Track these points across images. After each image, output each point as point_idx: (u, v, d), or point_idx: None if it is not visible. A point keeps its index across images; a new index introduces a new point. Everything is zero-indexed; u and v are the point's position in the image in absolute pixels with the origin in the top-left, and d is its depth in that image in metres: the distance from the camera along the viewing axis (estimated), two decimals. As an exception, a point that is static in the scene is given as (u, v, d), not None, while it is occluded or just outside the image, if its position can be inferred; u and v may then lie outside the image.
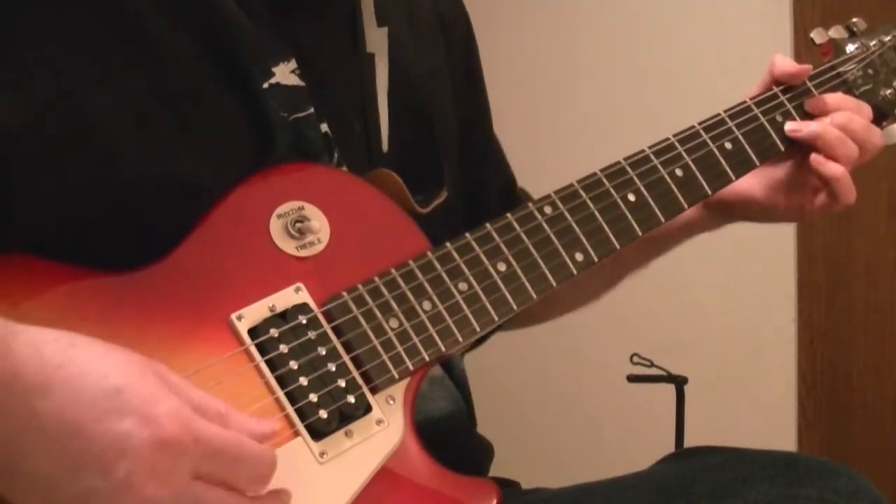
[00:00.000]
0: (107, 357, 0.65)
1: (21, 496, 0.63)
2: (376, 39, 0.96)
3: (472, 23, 1.13)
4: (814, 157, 1.01)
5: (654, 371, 2.16)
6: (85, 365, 0.64)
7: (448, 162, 1.03)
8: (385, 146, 0.95)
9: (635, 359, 2.15)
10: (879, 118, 1.09)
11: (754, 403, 2.60)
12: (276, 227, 0.81)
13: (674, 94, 2.55)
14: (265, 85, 0.85)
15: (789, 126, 1.02)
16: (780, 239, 2.58)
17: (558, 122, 2.79)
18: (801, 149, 1.04)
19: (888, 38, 1.11)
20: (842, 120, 1.02)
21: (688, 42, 2.65)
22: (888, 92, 1.09)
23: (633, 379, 2.18)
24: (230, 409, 0.69)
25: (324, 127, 0.89)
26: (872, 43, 1.10)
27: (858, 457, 2.53)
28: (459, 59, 1.08)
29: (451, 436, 0.97)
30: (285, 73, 0.86)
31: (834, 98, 1.04)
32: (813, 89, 1.05)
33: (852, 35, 1.12)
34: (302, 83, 0.87)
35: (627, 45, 2.72)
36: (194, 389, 0.68)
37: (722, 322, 2.62)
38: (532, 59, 2.83)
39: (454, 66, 1.07)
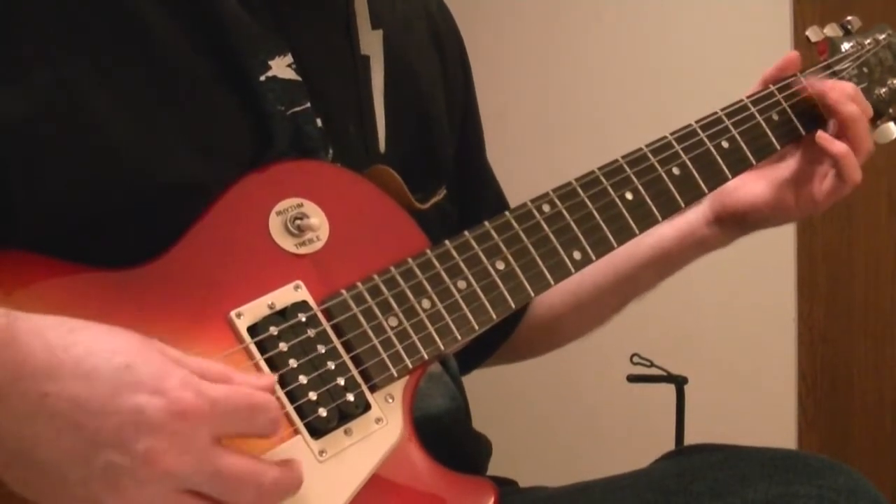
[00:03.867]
0: (110, 336, 0.66)
1: (33, 488, 0.63)
2: (371, 42, 0.96)
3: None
4: (821, 134, 1.02)
5: (654, 371, 2.16)
6: (90, 346, 0.64)
7: (446, 164, 1.03)
8: (382, 147, 0.95)
9: (635, 359, 2.15)
10: (874, 117, 1.09)
11: (754, 403, 2.60)
12: (275, 223, 0.81)
13: (673, 94, 2.55)
14: (262, 77, 0.85)
15: (834, 97, 1.02)
16: (780, 239, 2.58)
17: (558, 121, 2.79)
18: (796, 143, 1.05)
19: (882, 36, 1.11)
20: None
21: (688, 42, 2.65)
22: (883, 91, 1.09)
23: (633, 379, 2.18)
24: (228, 368, 0.70)
25: (318, 123, 0.89)
26: (867, 41, 1.11)
27: (858, 456, 2.53)
28: (456, 80, 1.08)
29: (449, 433, 0.97)
30: (282, 67, 0.86)
31: (851, 90, 1.04)
32: (808, 88, 1.05)
33: (847, 33, 1.12)
34: (298, 78, 0.87)
35: (627, 44, 2.72)
36: (193, 358, 0.68)
37: (722, 322, 2.62)
38: (532, 59, 2.83)
39: (449, 86, 1.06)
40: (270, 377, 0.73)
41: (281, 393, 0.75)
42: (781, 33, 2.52)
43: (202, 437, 0.64)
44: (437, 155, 1.02)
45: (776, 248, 2.58)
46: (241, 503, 0.66)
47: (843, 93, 1.02)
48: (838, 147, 1.01)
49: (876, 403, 2.57)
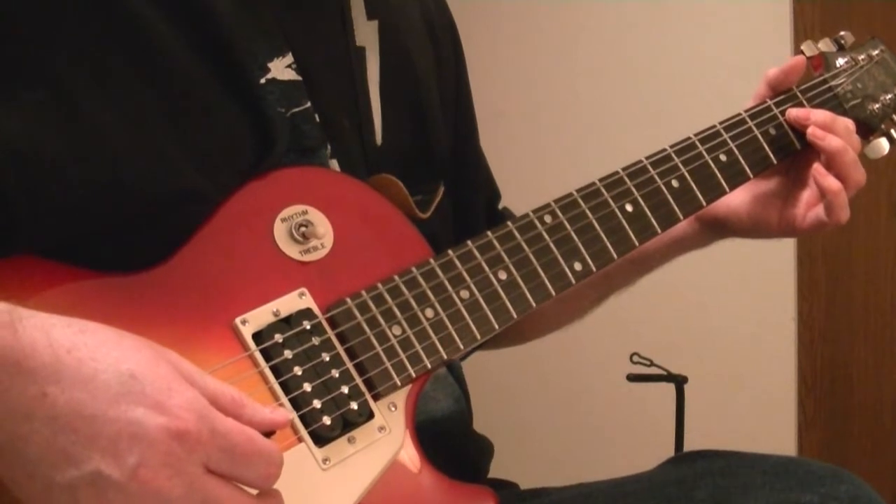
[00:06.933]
0: (119, 342, 0.64)
1: (18, 485, 0.62)
2: (367, 33, 0.96)
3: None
4: (817, 167, 1.01)
5: (654, 370, 2.16)
6: (96, 349, 0.63)
7: (441, 154, 1.04)
8: (379, 139, 0.95)
9: (635, 358, 2.15)
10: (867, 132, 1.09)
11: (754, 403, 2.60)
12: (279, 230, 0.81)
13: (674, 96, 2.55)
14: (262, 80, 0.85)
15: (813, 131, 1.01)
16: (780, 239, 2.58)
17: (557, 126, 2.79)
18: (793, 163, 1.05)
19: (875, 52, 1.12)
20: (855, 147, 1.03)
21: (688, 44, 2.64)
22: (875, 106, 1.10)
23: (633, 378, 2.18)
24: (243, 395, 0.68)
25: (317, 119, 0.89)
26: (861, 57, 1.11)
27: (858, 457, 2.54)
28: (449, 70, 1.08)
29: (451, 436, 0.98)
30: (280, 69, 0.86)
31: (826, 116, 1.03)
32: (805, 102, 1.06)
33: (840, 49, 1.13)
34: (299, 77, 0.87)
35: (627, 47, 2.72)
36: (209, 378, 0.67)
37: (722, 322, 2.62)
38: (531, 63, 2.83)
39: (443, 76, 1.07)
40: (286, 414, 0.71)
41: (285, 400, 0.76)
42: (781, 38, 2.52)
43: (195, 463, 0.62)
44: (432, 146, 1.02)
45: (776, 247, 2.58)
46: None
47: (818, 124, 1.02)
48: (830, 183, 1.00)
49: (876, 403, 2.57)
